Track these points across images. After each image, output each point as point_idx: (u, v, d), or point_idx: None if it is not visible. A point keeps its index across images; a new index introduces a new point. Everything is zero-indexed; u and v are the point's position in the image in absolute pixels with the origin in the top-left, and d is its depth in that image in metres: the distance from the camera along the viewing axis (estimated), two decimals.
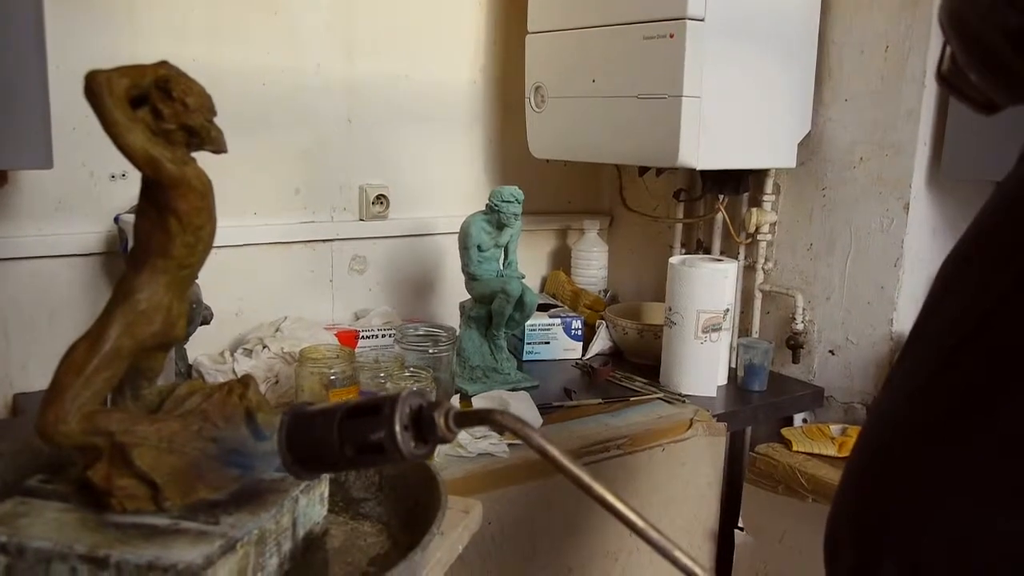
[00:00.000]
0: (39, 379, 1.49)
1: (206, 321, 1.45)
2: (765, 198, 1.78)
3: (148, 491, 0.67)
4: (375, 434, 0.57)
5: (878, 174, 1.61)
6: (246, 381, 0.77)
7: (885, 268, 1.61)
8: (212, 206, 0.72)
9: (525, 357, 1.80)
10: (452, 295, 1.85)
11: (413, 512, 0.83)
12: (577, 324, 1.84)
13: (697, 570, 0.55)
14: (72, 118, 1.37)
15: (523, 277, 1.65)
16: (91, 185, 1.52)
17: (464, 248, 1.61)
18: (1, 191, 1.44)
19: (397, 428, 0.57)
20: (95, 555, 0.62)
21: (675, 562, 0.55)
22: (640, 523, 0.55)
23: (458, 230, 1.63)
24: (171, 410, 0.74)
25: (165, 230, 0.69)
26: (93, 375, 0.66)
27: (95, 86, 0.64)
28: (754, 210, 1.78)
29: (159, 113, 0.67)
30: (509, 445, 1.33)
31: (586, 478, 0.56)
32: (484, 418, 0.59)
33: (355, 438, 0.58)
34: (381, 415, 0.57)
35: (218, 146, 0.71)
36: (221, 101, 0.75)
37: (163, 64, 0.69)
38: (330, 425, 0.59)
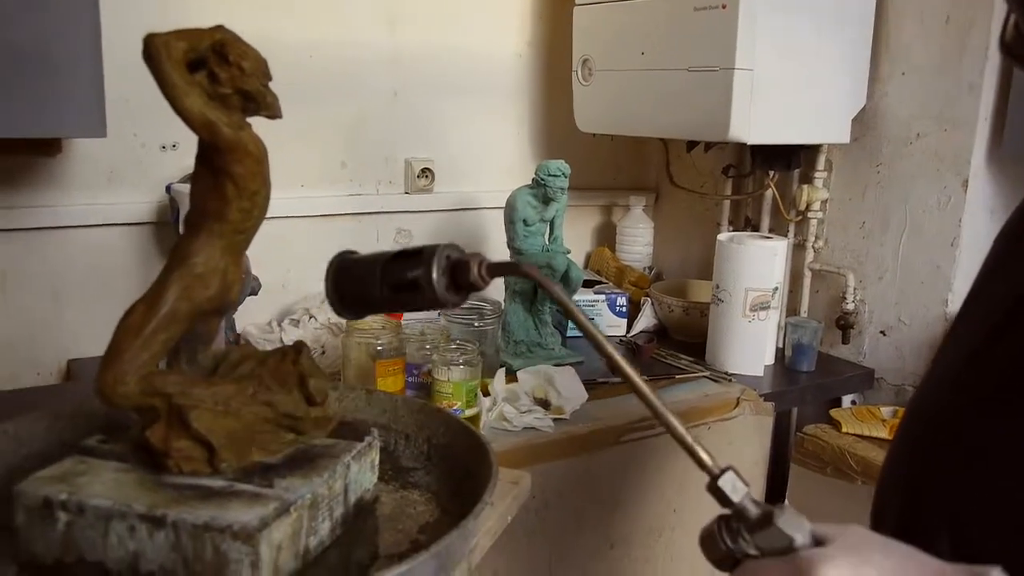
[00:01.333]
0: (91, 346, 1.52)
1: (254, 292, 1.46)
2: (817, 175, 1.74)
3: (204, 453, 0.67)
4: (413, 272, 0.62)
5: (936, 150, 1.57)
6: (299, 347, 0.77)
7: (941, 247, 1.57)
8: (267, 171, 0.71)
9: (569, 333, 1.79)
10: None
11: (462, 482, 0.83)
12: (622, 301, 1.83)
13: (706, 457, 0.55)
14: (123, 89, 1.38)
15: (568, 252, 1.64)
16: (142, 155, 1.53)
17: (510, 222, 1.60)
18: (54, 161, 1.46)
19: (434, 267, 0.62)
20: (153, 514, 0.63)
21: (681, 441, 0.56)
22: (656, 401, 0.57)
23: (502, 204, 1.62)
24: (225, 374, 0.75)
25: (221, 194, 0.69)
26: (151, 337, 0.66)
27: (153, 49, 0.64)
28: (805, 187, 1.74)
29: (215, 77, 0.67)
30: (554, 420, 1.33)
31: (604, 342, 0.57)
32: (514, 269, 0.64)
33: (394, 277, 0.64)
34: (421, 257, 0.63)
35: (273, 111, 0.70)
36: None
37: (219, 28, 0.69)
38: (374, 266, 0.65)
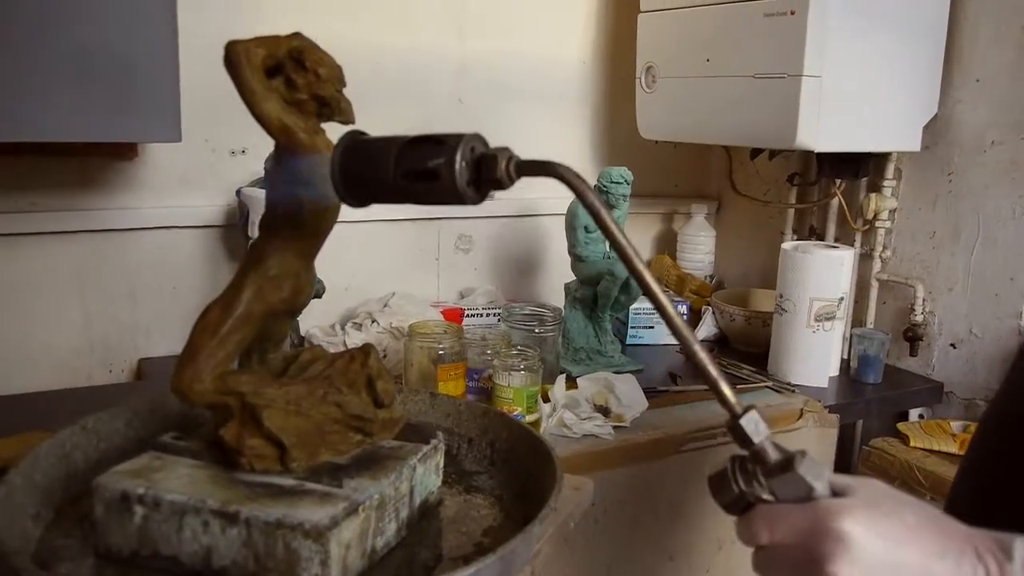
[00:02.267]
0: (161, 345, 1.56)
1: (318, 295, 1.48)
2: (885, 183, 1.71)
3: (276, 451, 0.68)
4: (434, 160, 0.56)
5: (1011, 159, 1.52)
6: (367, 349, 0.78)
7: (1017, 258, 1.53)
8: None
9: (629, 341, 1.78)
10: (555, 276, 1.84)
11: (525, 486, 0.83)
12: (683, 309, 1.81)
13: (729, 394, 0.54)
14: (196, 95, 1.42)
15: None
16: (213, 160, 1.57)
17: (571, 228, 1.60)
18: (131, 164, 1.51)
19: (458, 156, 0.55)
20: (226, 511, 0.64)
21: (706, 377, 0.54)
22: (682, 325, 0.54)
23: (563, 211, 1.62)
24: (295, 375, 0.76)
25: (296, 198, 0.70)
26: (226, 337, 0.68)
27: (234, 55, 0.66)
28: (873, 196, 1.71)
29: (292, 83, 0.69)
30: (614, 427, 1.32)
31: (632, 254, 0.54)
32: (544, 168, 0.57)
33: (412, 163, 0.57)
34: (445, 145, 0.56)
35: (347, 116, 0.72)
36: None
37: (297, 35, 0.71)
38: (388, 150, 0.58)
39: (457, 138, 0.56)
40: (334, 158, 0.59)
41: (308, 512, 0.63)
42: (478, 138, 0.58)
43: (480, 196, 0.58)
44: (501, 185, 0.57)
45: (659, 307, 0.55)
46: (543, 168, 0.57)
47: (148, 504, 0.66)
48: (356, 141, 0.60)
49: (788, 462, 0.52)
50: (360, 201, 0.62)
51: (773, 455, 0.53)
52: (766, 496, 0.53)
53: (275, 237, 0.72)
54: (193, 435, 0.75)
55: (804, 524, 0.51)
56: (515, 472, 0.86)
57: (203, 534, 0.65)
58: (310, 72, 0.68)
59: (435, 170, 0.55)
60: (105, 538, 0.68)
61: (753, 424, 0.53)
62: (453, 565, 0.69)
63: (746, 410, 0.54)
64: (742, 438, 0.53)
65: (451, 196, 0.56)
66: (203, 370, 0.67)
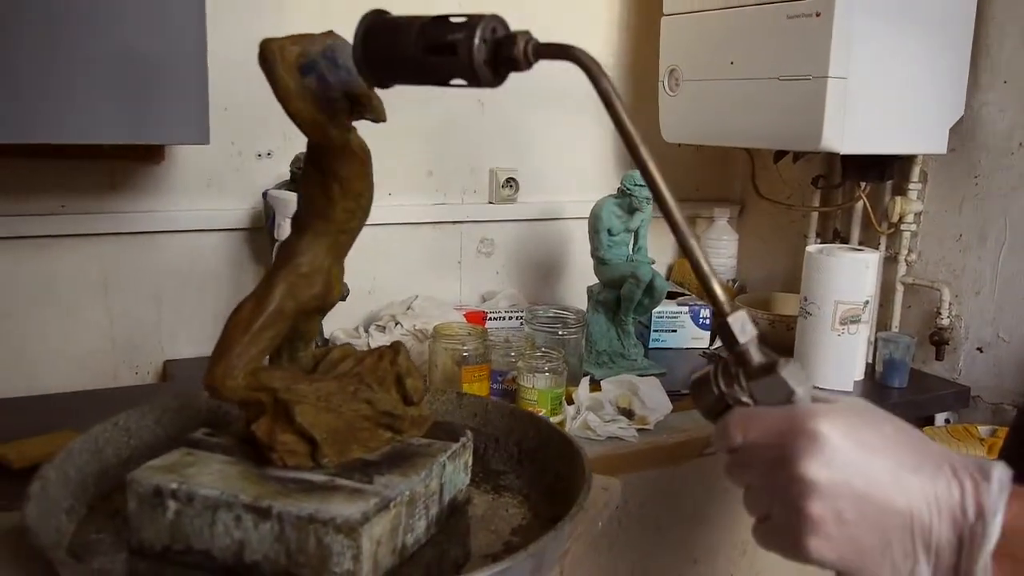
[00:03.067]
0: (187, 347, 1.57)
1: (342, 297, 1.48)
2: (911, 186, 1.70)
3: (307, 447, 0.69)
4: (453, 35, 0.57)
5: None
6: (397, 347, 0.79)
7: None
8: (371, 173, 0.73)
9: (651, 344, 1.78)
10: (578, 280, 1.84)
11: (553, 486, 0.83)
12: (705, 313, 1.80)
13: (719, 292, 0.53)
14: (223, 98, 1.43)
15: (653, 262, 1.63)
16: (239, 163, 1.58)
17: (594, 232, 1.60)
18: (158, 168, 1.52)
19: (478, 33, 0.56)
20: (259, 505, 0.64)
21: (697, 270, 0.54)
22: (680, 219, 0.56)
23: (586, 215, 1.62)
24: (326, 372, 0.77)
25: (327, 195, 0.71)
26: (259, 333, 0.69)
27: (268, 53, 0.66)
28: (898, 198, 1.70)
29: (325, 81, 0.69)
30: (638, 430, 1.32)
31: (638, 142, 0.56)
32: (564, 51, 0.57)
33: (432, 37, 0.58)
34: (467, 24, 0.57)
35: (378, 115, 0.72)
36: None
37: (330, 34, 0.71)
38: (411, 25, 0.59)
39: (479, 17, 0.57)
40: (357, 33, 0.60)
41: (340, 507, 0.64)
42: (499, 19, 0.58)
43: (496, 77, 0.58)
44: (518, 66, 0.57)
45: (660, 201, 0.57)
46: (561, 51, 0.57)
47: (181, 499, 0.67)
48: (380, 18, 0.61)
49: (771, 365, 0.52)
50: (379, 77, 0.63)
51: (757, 358, 0.52)
52: (745, 399, 0.52)
53: (307, 233, 0.72)
54: (224, 431, 0.76)
55: (779, 425, 0.50)
56: (542, 471, 0.86)
57: (235, 529, 0.66)
58: (343, 69, 0.69)
59: (454, 43, 0.56)
60: (138, 533, 0.69)
61: (740, 324, 0.52)
62: (483, 563, 0.69)
63: (735, 310, 0.53)
64: (728, 338, 0.53)
65: (467, 72, 0.57)
66: (235, 366, 0.68)
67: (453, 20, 0.58)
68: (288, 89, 0.66)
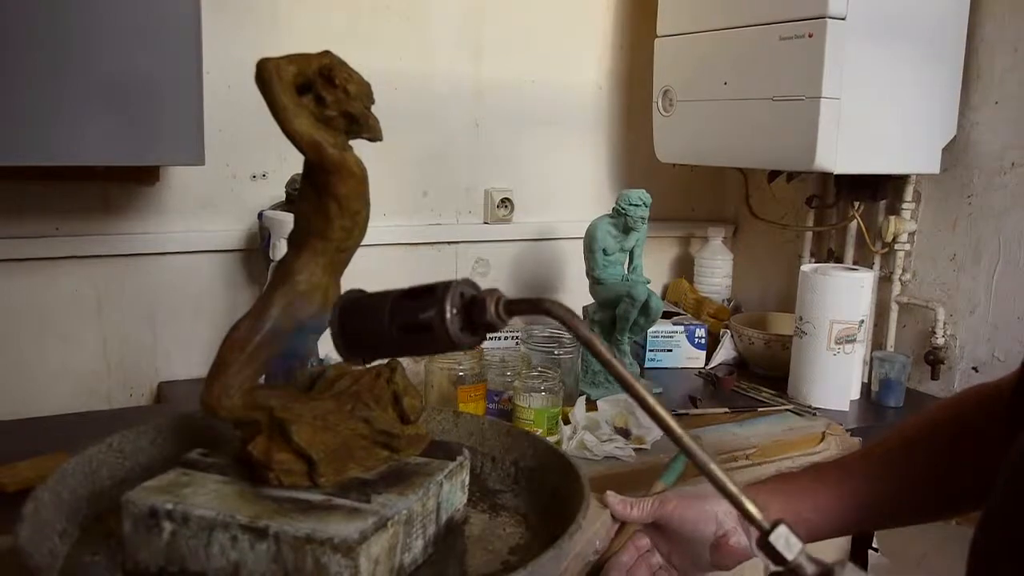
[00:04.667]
0: (181, 369, 1.56)
1: None
2: (904, 206, 1.70)
3: (304, 467, 0.68)
4: (425, 314, 0.57)
5: None
6: (393, 366, 0.78)
7: None
8: (368, 192, 0.73)
9: (647, 364, 1.77)
10: (574, 300, 1.84)
11: (550, 505, 0.82)
12: (701, 332, 1.80)
13: (754, 510, 0.52)
14: (217, 120, 1.43)
15: (649, 282, 1.63)
16: (233, 185, 1.58)
17: (589, 251, 1.60)
18: (152, 189, 1.52)
19: (448, 308, 0.57)
20: (255, 525, 0.64)
21: (718, 485, 0.53)
22: (679, 431, 0.55)
23: (581, 234, 1.63)
24: (322, 391, 0.76)
25: (324, 213, 0.71)
26: (255, 352, 0.68)
27: (266, 73, 0.67)
28: (892, 218, 1.71)
29: (322, 100, 0.69)
30: (635, 449, 1.31)
31: (632, 380, 0.55)
32: (535, 306, 0.58)
33: (404, 318, 0.59)
34: (433, 297, 0.58)
35: (375, 134, 0.72)
36: None
37: (326, 53, 0.72)
38: (382, 305, 0.60)
39: (444, 287, 0.58)
40: (333, 317, 0.62)
41: (337, 527, 0.63)
42: (466, 283, 0.59)
43: (477, 340, 0.59)
44: (494, 328, 0.58)
45: (668, 430, 0.55)
46: (533, 305, 0.59)
47: (177, 519, 0.66)
48: (352, 300, 0.62)
49: (828, 574, 0.50)
50: (365, 358, 0.65)
51: (810, 570, 0.51)
52: None
53: (304, 251, 0.72)
54: (219, 452, 0.75)
55: None
56: (540, 491, 0.86)
57: (231, 549, 0.65)
58: (339, 89, 0.69)
59: (427, 322, 0.57)
60: (133, 555, 0.68)
61: (784, 539, 0.51)
62: None
63: (775, 525, 0.51)
64: (775, 556, 0.51)
65: (447, 345, 0.58)
66: (232, 385, 0.68)
67: (421, 296, 0.58)
68: (286, 108, 0.66)
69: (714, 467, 0.53)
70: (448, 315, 0.57)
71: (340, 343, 0.62)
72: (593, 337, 0.55)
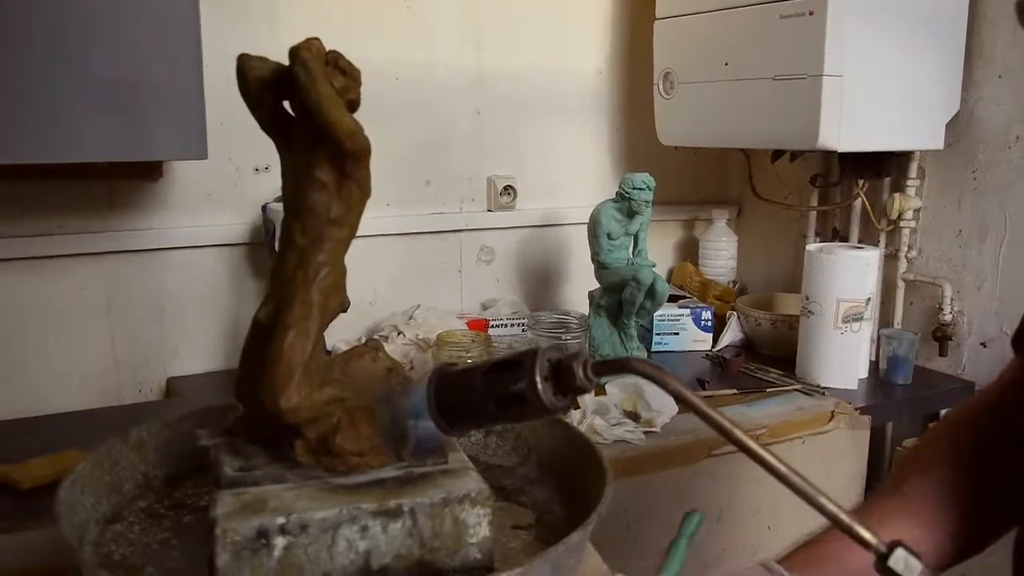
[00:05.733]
0: (190, 363, 1.57)
1: (344, 309, 1.48)
2: (909, 183, 1.70)
3: (379, 449, 0.68)
4: (516, 385, 0.58)
5: None
6: (374, 345, 0.78)
7: None
8: None
9: (654, 348, 1.78)
10: (578, 286, 1.84)
11: (572, 489, 0.82)
12: (707, 315, 1.80)
13: (868, 535, 0.51)
14: (219, 114, 1.43)
15: (654, 265, 1.63)
16: (236, 179, 1.58)
17: (594, 236, 1.60)
18: (156, 185, 1.52)
19: (538, 378, 0.58)
20: (387, 508, 0.63)
21: (820, 508, 0.52)
22: (784, 469, 0.53)
23: (585, 220, 1.62)
24: (328, 372, 0.76)
25: (347, 200, 0.70)
26: (313, 349, 0.68)
27: (310, 60, 0.64)
28: (897, 195, 1.70)
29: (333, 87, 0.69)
30: (645, 432, 1.32)
31: (729, 425, 0.54)
32: (622, 366, 0.59)
33: (497, 391, 0.60)
34: (522, 368, 0.59)
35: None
36: None
37: (317, 41, 0.71)
38: (473, 380, 0.61)
39: (532, 356, 0.59)
40: (429, 399, 0.63)
41: (462, 484, 0.66)
42: (552, 348, 0.60)
43: (569, 403, 0.60)
44: (584, 390, 0.59)
45: (782, 478, 0.53)
46: (620, 366, 0.61)
47: (292, 531, 0.62)
48: (443, 375, 0.64)
49: None
50: (464, 431, 0.68)
51: None
52: None
53: (325, 242, 0.71)
54: (240, 463, 0.71)
55: None
56: (558, 473, 0.85)
57: (360, 540, 0.63)
58: (349, 76, 0.68)
59: (520, 394, 0.59)
60: None
61: (903, 562, 0.50)
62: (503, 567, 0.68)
63: (892, 548, 0.50)
64: None
65: (542, 412, 0.60)
66: (303, 385, 0.66)
67: (510, 368, 0.59)
68: (329, 97, 0.65)
69: (824, 500, 0.52)
70: (540, 386, 0.58)
71: (441, 420, 0.63)
72: (686, 391, 0.56)
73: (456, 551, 0.66)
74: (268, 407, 0.65)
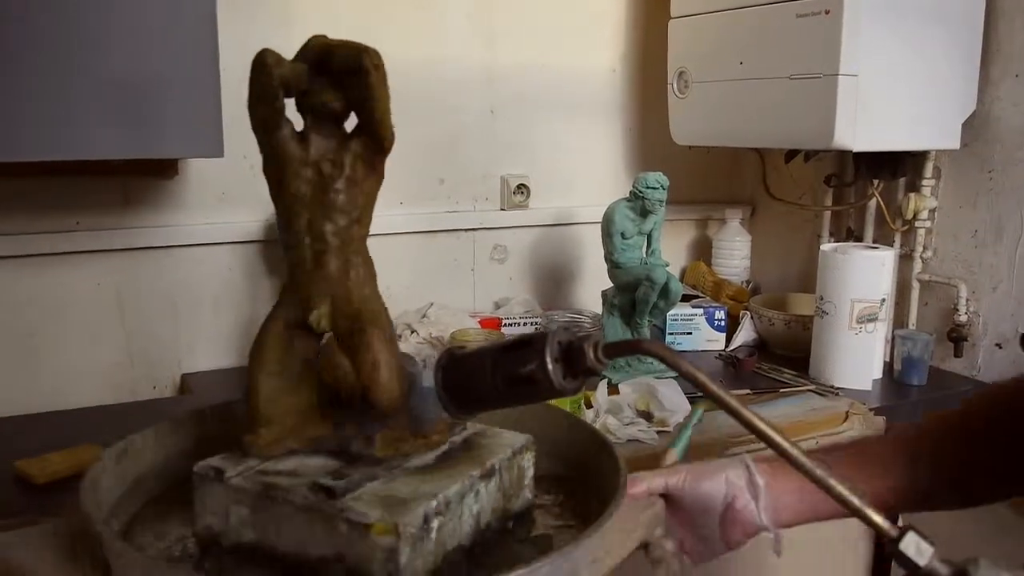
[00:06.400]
0: (204, 360, 1.58)
1: None
2: (924, 182, 1.69)
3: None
4: (527, 367, 0.58)
5: None
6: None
7: None
8: None
9: None
10: (591, 284, 1.84)
11: (588, 489, 0.81)
12: (720, 315, 1.80)
13: (879, 520, 0.51)
14: (234, 110, 1.43)
15: (667, 265, 1.62)
16: (251, 176, 1.58)
17: (607, 235, 1.60)
18: (171, 183, 1.53)
19: (548, 359, 0.58)
20: (487, 470, 0.70)
21: (842, 499, 0.53)
22: (794, 451, 0.55)
23: (598, 219, 1.62)
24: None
25: (371, 196, 0.72)
26: (391, 340, 0.69)
27: (380, 65, 0.65)
28: (912, 195, 1.69)
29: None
30: (658, 432, 1.31)
31: (738, 406, 0.55)
32: (633, 348, 0.61)
33: (507, 372, 0.60)
34: (532, 348, 0.59)
35: None
36: None
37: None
38: (483, 361, 0.62)
39: (542, 338, 0.59)
40: (437, 380, 0.64)
41: (509, 438, 0.76)
42: (561, 331, 0.61)
43: (579, 385, 0.61)
44: (594, 371, 0.60)
45: (798, 466, 0.55)
46: (630, 348, 0.62)
47: (443, 511, 0.65)
48: (453, 357, 0.64)
49: (962, 572, 0.50)
50: (472, 412, 0.68)
51: (944, 571, 0.50)
52: None
53: (355, 239, 0.73)
54: (342, 473, 0.70)
55: None
56: (574, 472, 0.85)
57: (475, 503, 0.69)
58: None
59: (530, 375, 0.59)
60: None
61: (914, 546, 0.51)
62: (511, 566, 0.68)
63: (903, 532, 0.51)
64: (907, 563, 0.51)
65: (552, 393, 0.60)
66: (395, 379, 0.67)
67: (520, 349, 0.59)
68: (388, 99, 0.66)
69: (834, 482, 0.53)
70: (550, 366, 0.58)
71: (448, 401, 0.64)
72: (698, 373, 0.56)
73: (518, 494, 0.75)
74: (379, 404, 0.66)
